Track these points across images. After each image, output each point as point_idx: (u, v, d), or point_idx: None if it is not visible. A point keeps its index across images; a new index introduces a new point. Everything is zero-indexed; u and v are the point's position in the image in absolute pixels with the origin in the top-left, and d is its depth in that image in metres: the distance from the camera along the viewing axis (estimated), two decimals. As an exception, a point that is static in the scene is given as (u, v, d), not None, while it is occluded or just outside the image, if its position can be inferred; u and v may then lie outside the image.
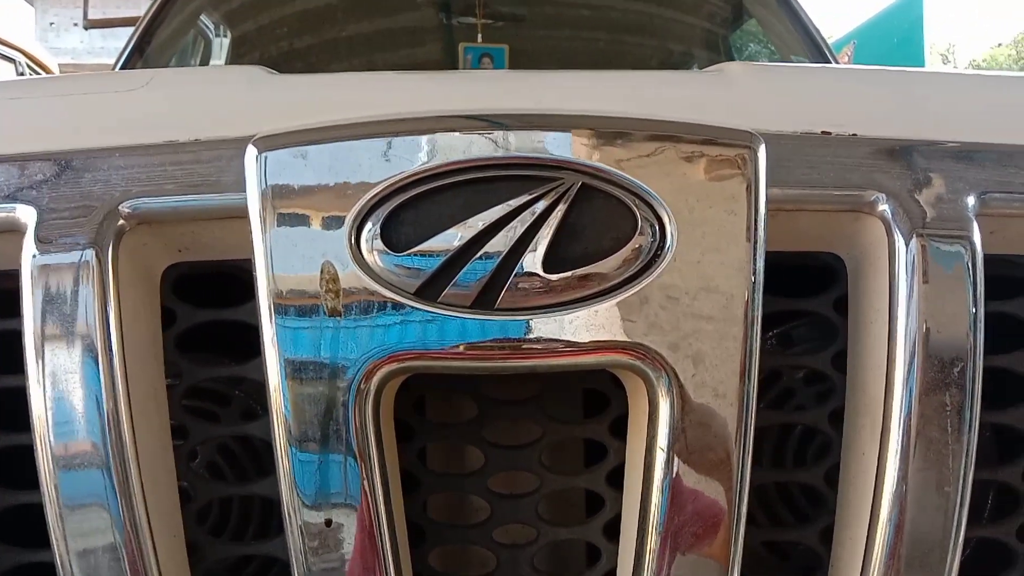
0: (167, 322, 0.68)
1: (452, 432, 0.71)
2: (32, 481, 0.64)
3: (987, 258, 0.66)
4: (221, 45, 2.42)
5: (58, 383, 0.62)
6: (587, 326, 0.60)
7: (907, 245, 0.65)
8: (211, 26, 2.46)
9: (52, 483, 0.63)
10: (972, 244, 0.65)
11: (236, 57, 2.33)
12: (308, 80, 0.78)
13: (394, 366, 0.60)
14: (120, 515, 0.63)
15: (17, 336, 0.64)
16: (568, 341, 0.60)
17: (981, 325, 0.65)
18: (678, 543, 0.62)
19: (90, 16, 2.78)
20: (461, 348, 0.60)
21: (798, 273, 0.70)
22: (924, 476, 0.64)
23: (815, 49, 2.23)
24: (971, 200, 0.66)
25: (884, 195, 0.66)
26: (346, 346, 0.60)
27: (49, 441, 0.63)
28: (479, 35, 2.29)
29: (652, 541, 0.62)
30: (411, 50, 2.43)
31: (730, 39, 2.56)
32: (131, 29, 2.28)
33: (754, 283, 0.61)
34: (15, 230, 0.64)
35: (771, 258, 0.63)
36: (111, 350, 0.63)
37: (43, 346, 0.62)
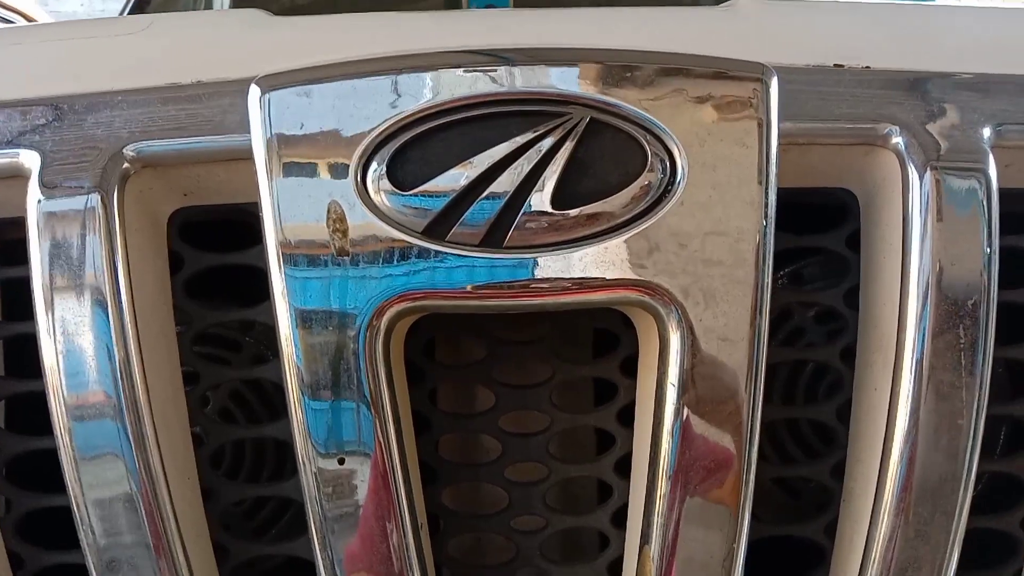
0: (175, 267, 0.68)
1: (462, 373, 0.71)
2: (46, 427, 0.64)
3: (1003, 192, 0.65)
4: (222, 4, 2.39)
5: (68, 331, 0.62)
6: (596, 263, 0.60)
7: (921, 178, 0.64)
8: (212, -18, 2.43)
9: (66, 432, 0.63)
10: (987, 177, 0.64)
11: (237, 12, 2.30)
12: (309, 21, 0.77)
13: (403, 305, 0.60)
14: (135, 462, 0.63)
15: (26, 284, 0.64)
16: (577, 278, 0.60)
17: (996, 259, 0.64)
18: (689, 477, 0.62)
19: (89, -25, 2.74)
20: (469, 287, 0.60)
21: (810, 209, 0.69)
22: (937, 410, 0.63)
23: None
24: (987, 132, 0.65)
25: (897, 128, 0.65)
26: (355, 286, 0.60)
27: (61, 390, 0.63)
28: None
29: (663, 476, 0.62)
30: (414, 3, 2.39)
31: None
32: (131, -11, 2.24)
33: (766, 217, 0.60)
34: (19, 175, 0.64)
35: (783, 194, 0.62)
36: (120, 296, 0.62)
37: (51, 293, 0.62)
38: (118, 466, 0.63)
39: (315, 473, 0.63)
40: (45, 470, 0.67)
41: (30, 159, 0.64)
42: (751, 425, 0.62)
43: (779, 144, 0.61)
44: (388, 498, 0.64)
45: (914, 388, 0.64)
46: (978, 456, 0.64)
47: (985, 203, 0.64)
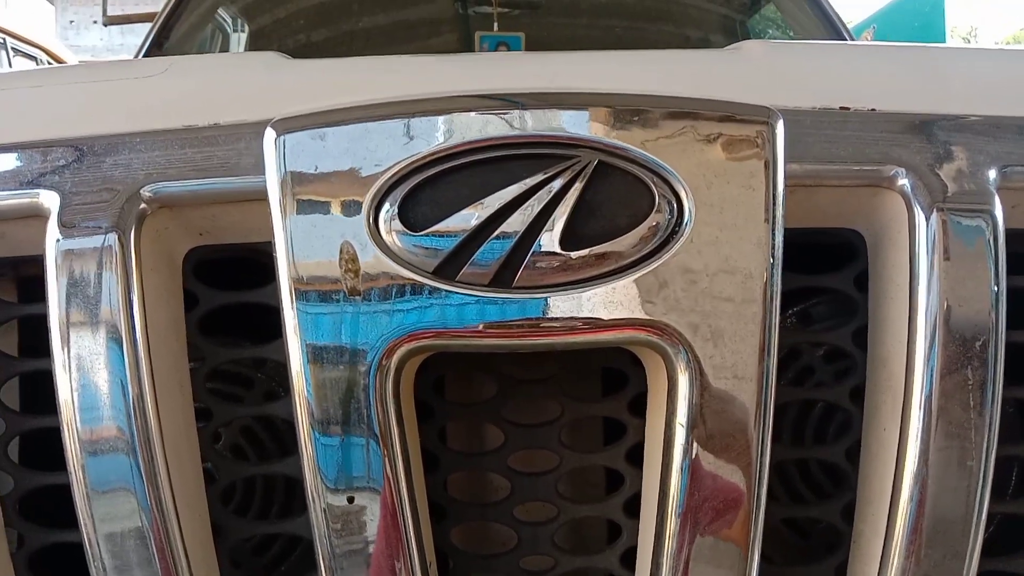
0: (189, 305, 0.69)
1: (472, 411, 0.71)
2: (60, 463, 0.65)
3: (1009, 232, 0.65)
4: (239, 39, 2.43)
5: (83, 367, 0.63)
6: (605, 303, 0.60)
7: (927, 220, 0.64)
8: (228, 20, 2.47)
9: (79, 467, 0.64)
10: (994, 218, 0.64)
11: (254, 50, 2.34)
12: (324, 64, 0.78)
13: (414, 344, 0.61)
14: (146, 498, 0.64)
15: (43, 321, 0.65)
16: (586, 318, 0.60)
17: (1003, 299, 0.64)
18: (698, 518, 0.62)
19: (109, 13, 2.78)
20: (480, 326, 0.60)
21: (817, 250, 0.70)
22: (946, 451, 0.63)
23: (834, 33, 2.21)
24: (992, 173, 0.66)
25: (903, 169, 0.65)
26: (366, 325, 0.60)
27: (76, 425, 0.63)
28: (495, 23, 2.29)
29: (672, 516, 0.62)
30: (427, 40, 2.42)
31: (748, 24, 2.54)
32: (150, 25, 2.29)
33: (773, 258, 0.61)
34: (39, 215, 0.65)
35: (790, 235, 0.63)
36: (135, 333, 0.63)
37: (68, 330, 0.63)
38: (130, 501, 0.64)
39: (324, 509, 0.63)
40: (57, 505, 0.68)
41: (50, 199, 0.65)
42: (760, 465, 0.62)
43: (785, 186, 0.62)
44: (397, 536, 0.64)
45: (923, 428, 0.64)
46: (989, 497, 0.64)
47: (992, 244, 0.64)
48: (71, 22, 13.18)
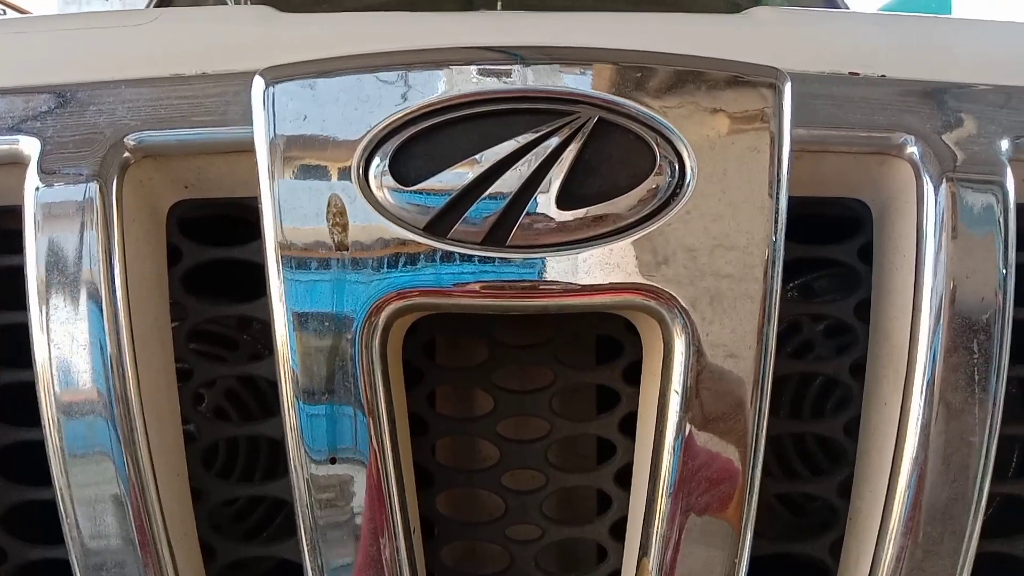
0: (172, 261, 0.67)
1: (462, 376, 0.69)
2: (28, 420, 0.63)
3: (1020, 206, 0.63)
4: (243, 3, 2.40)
5: (60, 322, 0.61)
6: (601, 265, 0.58)
7: (936, 189, 0.62)
8: (229, -11, 2.44)
9: (54, 426, 0.62)
10: (1004, 189, 0.62)
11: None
12: (316, 18, 0.76)
13: (402, 303, 0.59)
14: (123, 459, 0.62)
15: (20, 273, 0.63)
16: (581, 280, 0.58)
17: (1012, 275, 0.62)
18: (691, 488, 0.60)
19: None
20: (470, 286, 0.58)
21: (822, 220, 0.68)
22: (948, 427, 0.62)
23: (840, 17, 2.18)
24: (1004, 144, 0.64)
25: (913, 137, 0.63)
26: (353, 281, 0.58)
27: (52, 383, 0.61)
28: (499, 1, 2.25)
29: (664, 486, 0.61)
30: (427, 11, 2.39)
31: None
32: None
33: (777, 223, 0.59)
34: (18, 162, 0.63)
35: (795, 203, 0.60)
36: (114, 287, 0.61)
37: (46, 283, 0.61)
38: (106, 463, 0.62)
39: (307, 479, 0.61)
40: (27, 463, 0.66)
41: (30, 146, 0.63)
42: (757, 435, 0.61)
43: (792, 150, 0.59)
44: (381, 504, 0.62)
45: (925, 405, 0.62)
46: (990, 477, 0.62)
47: (1001, 217, 0.62)
48: (72, -7, 13.05)
